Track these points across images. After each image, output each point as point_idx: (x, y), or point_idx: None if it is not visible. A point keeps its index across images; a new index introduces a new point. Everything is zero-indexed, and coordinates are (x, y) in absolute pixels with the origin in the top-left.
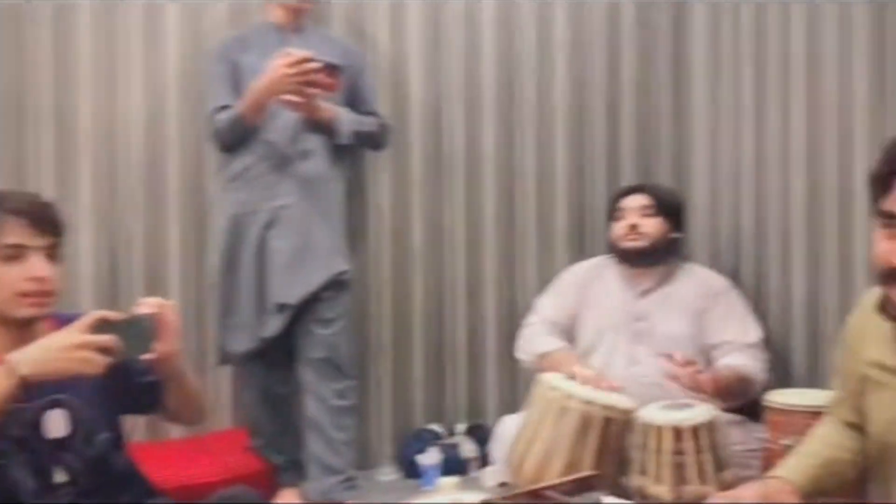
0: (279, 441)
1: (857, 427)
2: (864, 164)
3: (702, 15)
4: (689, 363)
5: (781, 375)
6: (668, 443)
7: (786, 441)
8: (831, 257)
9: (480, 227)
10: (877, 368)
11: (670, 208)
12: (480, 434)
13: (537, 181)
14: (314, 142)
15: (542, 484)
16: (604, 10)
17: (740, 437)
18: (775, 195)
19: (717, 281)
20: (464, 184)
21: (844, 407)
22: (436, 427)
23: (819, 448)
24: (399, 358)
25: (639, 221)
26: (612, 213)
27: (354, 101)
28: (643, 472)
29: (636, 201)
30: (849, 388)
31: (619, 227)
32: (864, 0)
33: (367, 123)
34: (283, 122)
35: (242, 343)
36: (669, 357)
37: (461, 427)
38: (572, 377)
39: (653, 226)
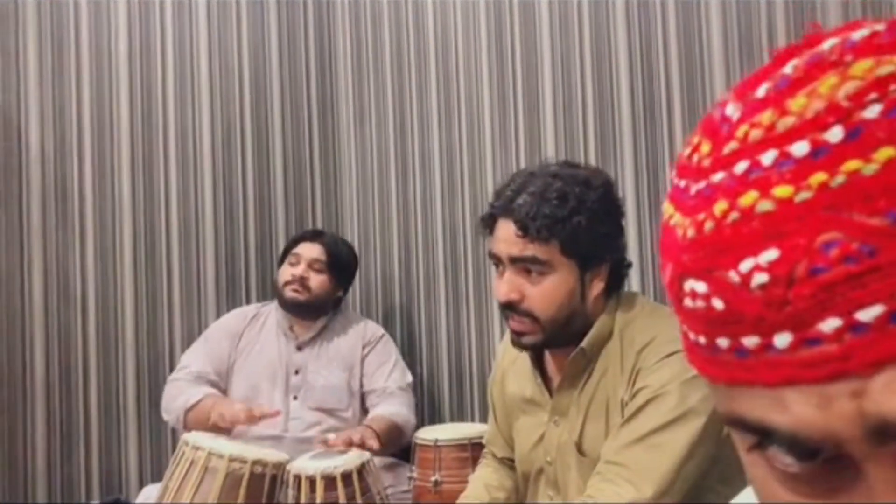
0: None
1: (511, 461)
2: None
3: (347, 55)
4: (344, 444)
5: (431, 414)
6: (320, 492)
7: (435, 477)
8: (472, 298)
9: (116, 275)
10: (519, 399)
11: (340, 267)
12: None
13: (182, 226)
14: None
15: None
16: (247, 49)
17: (392, 480)
18: (421, 238)
19: (374, 329)
20: (93, 229)
21: (498, 442)
22: None
23: (480, 492)
24: (15, 428)
25: (307, 274)
26: (286, 254)
27: None
28: None
29: (312, 252)
30: (500, 422)
31: (287, 272)
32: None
33: None
34: None
35: None
36: (324, 442)
37: None
38: (222, 418)
39: (319, 282)
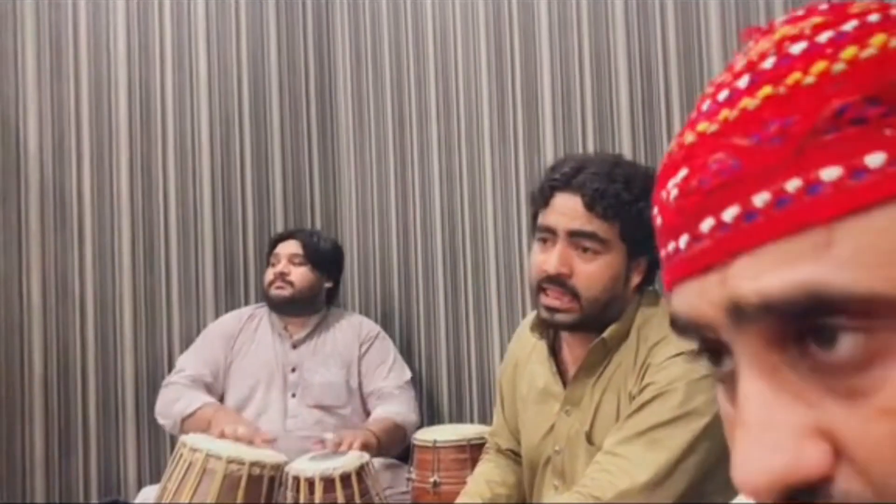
0: None
1: (515, 454)
2: (517, 197)
3: (346, 56)
4: (339, 444)
5: (430, 415)
6: (318, 493)
7: (433, 478)
8: (471, 295)
9: (115, 277)
10: (531, 389)
11: (319, 256)
12: None
13: (181, 227)
14: None
15: None
16: (246, 50)
17: (391, 481)
18: (420, 238)
19: (370, 327)
20: (92, 230)
21: (503, 434)
22: None
23: (482, 488)
24: (13, 429)
25: (287, 269)
26: (268, 259)
27: None
28: None
29: (289, 248)
30: (507, 414)
31: (269, 274)
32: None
33: None
34: None
35: None
36: (321, 442)
37: None
38: (222, 436)
39: (300, 275)
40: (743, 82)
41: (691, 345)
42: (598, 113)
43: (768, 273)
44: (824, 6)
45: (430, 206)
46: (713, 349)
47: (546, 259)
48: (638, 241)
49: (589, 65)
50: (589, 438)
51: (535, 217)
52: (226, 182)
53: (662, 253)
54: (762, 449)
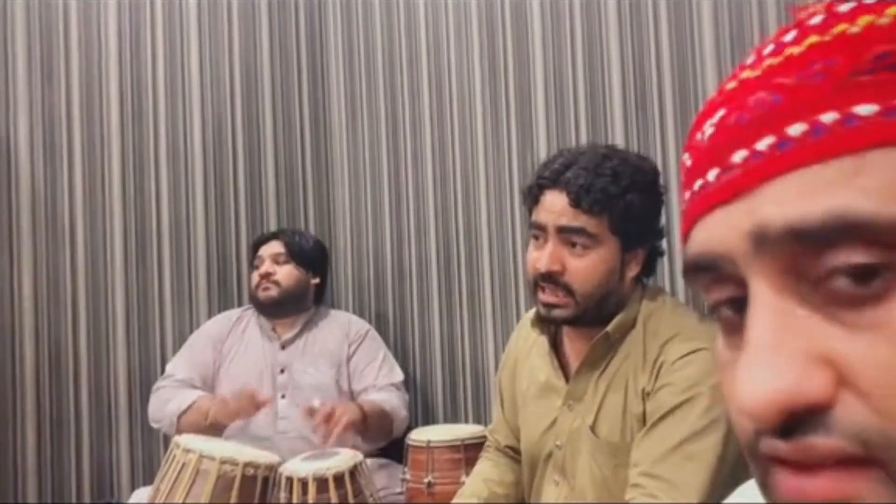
0: None
1: (514, 451)
2: (510, 195)
3: (339, 55)
4: (331, 413)
5: (424, 414)
6: (312, 493)
7: (428, 478)
8: (465, 295)
9: (107, 277)
10: (532, 384)
11: (303, 255)
12: None
13: (174, 228)
14: None
15: None
16: (239, 50)
17: (385, 481)
18: (413, 238)
19: (359, 325)
20: (83, 229)
21: (503, 431)
22: None
23: (480, 488)
24: (4, 429)
25: (272, 269)
26: (252, 262)
27: None
28: None
29: (271, 249)
30: (507, 410)
31: (254, 277)
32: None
33: None
34: None
35: None
36: (312, 410)
37: None
38: (225, 406)
39: (285, 273)
40: (790, 36)
41: (705, 341)
42: (591, 111)
43: (796, 199)
44: None
45: (424, 206)
46: (721, 298)
47: (539, 257)
48: (631, 232)
49: (582, 63)
50: (594, 431)
51: (530, 213)
52: (218, 183)
53: (686, 194)
54: (768, 370)
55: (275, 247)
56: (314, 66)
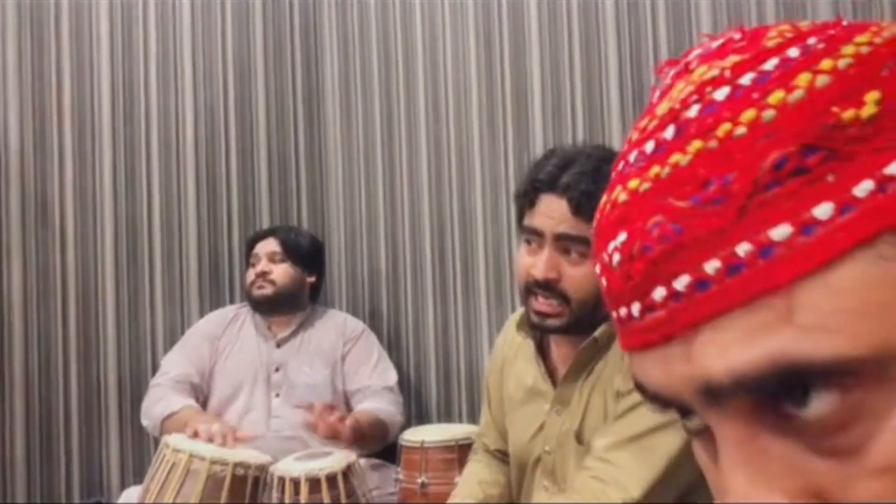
0: None
1: (503, 454)
2: (506, 194)
3: (334, 50)
4: (327, 410)
5: (418, 414)
6: (304, 494)
7: (421, 479)
8: (460, 293)
9: (97, 274)
10: (519, 388)
11: (299, 252)
12: None
13: (164, 223)
14: None
15: None
16: (232, 43)
17: (378, 482)
18: (408, 235)
19: (354, 325)
20: (74, 226)
21: (491, 434)
22: None
23: (475, 489)
24: None
25: (268, 268)
26: (248, 259)
27: None
28: None
29: (266, 247)
30: (494, 413)
31: (250, 274)
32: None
33: None
34: None
35: None
36: (309, 407)
37: None
38: (195, 436)
39: (281, 272)
40: (669, 133)
41: None
42: (588, 107)
43: (734, 349)
44: (738, 37)
45: (419, 203)
46: (685, 420)
47: (534, 263)
48: None
49: (579, 60)
50: (578, 438)
51: (520, 215)
52: (210, 179)
53: (613, 315)
54: None
55: (271, 245)
56: (308, 62)
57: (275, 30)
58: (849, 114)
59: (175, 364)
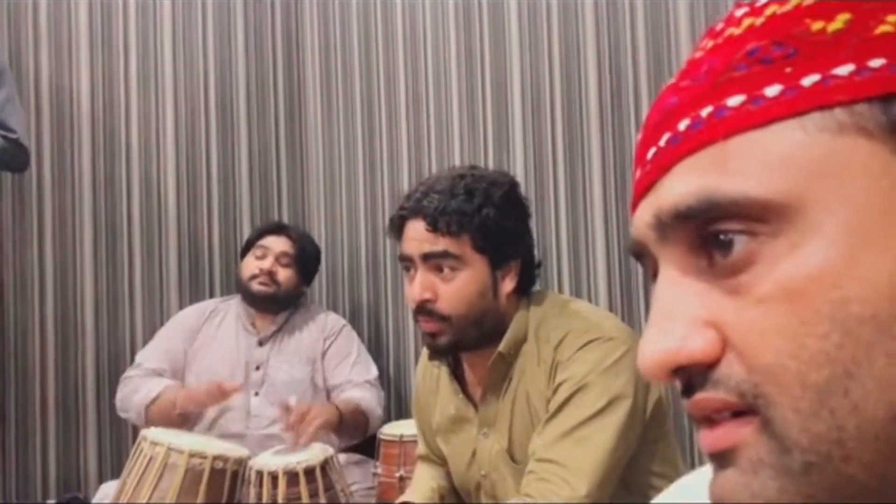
0: None
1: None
2: None
3: (315, 48)
4: (306, 412)
5: (397, 408)
6: (282, 488)
7: (399, 473)
8: None
9: (75, 267)
10: (445, 418)
11: (308, 262)
12: None
13: (144, 216)
14: None
15: None
16: (213, 38)
17: (357, 477)
18: (388, 236)
19: (334, 321)
20: (52, 220)
21: (433, 457)
22: None
23: (429, 483)
24: None
25: (275, 268)
26: (250, 247)
27: None
28: None
29: (279, 245)
30: (430, 444)
31: (253, 265)
32: None
33: None
34: None
35: None
36: (286, 409)
37: (51, 503)
38: (190, 400)
39: (287, 276)
40: (703, 43)
41: (598, 331)
42: (568, 110)
43: (678, 185)
44: None
45: (400, 198)
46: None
47: (410, 290)
48: (497, 248)
49: (558, 62)
50: (511, 456)
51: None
52: (191, 173)
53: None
54: (658, 333)
55: (283, 244)
56: (289, 57)
57: (256, 24)
58: (818, 25)
59: (149, 357)
